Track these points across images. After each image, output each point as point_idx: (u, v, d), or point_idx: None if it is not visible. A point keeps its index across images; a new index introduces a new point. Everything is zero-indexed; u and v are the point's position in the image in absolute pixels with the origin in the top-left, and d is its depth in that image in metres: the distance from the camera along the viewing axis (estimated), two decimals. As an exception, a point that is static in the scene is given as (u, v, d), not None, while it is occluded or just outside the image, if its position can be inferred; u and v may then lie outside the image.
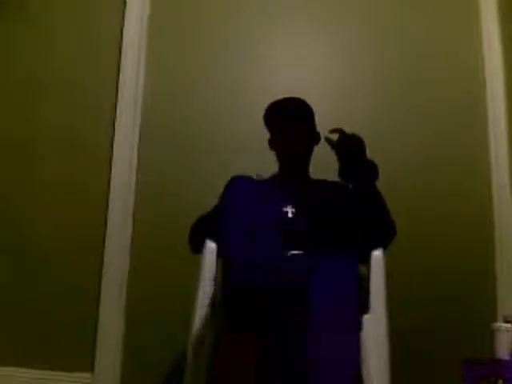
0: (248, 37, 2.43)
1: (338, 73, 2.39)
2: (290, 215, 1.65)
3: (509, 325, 1.79)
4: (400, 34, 2.44)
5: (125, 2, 2.43)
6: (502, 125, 2.36)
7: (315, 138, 1.86)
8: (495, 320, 2.03)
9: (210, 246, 1.56)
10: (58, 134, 2.36)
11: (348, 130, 1.68)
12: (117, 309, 2.17)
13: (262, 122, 1.84)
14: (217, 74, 2.40)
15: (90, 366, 2.13)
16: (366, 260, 1.56)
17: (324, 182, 1.83)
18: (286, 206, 1.67)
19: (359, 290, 1.39)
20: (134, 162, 2.30)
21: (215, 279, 1.52)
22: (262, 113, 1.83)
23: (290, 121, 1.79)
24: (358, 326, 1.33)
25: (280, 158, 1.85)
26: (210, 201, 1.70)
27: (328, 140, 1.70)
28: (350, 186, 1.71)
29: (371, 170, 1.66)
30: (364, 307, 1.46)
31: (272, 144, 1.88)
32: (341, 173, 1.68)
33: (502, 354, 1.75)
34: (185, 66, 2.41)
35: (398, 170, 2.22)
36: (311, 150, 1.85)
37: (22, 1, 2.50)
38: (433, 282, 2.18)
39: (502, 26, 2.44)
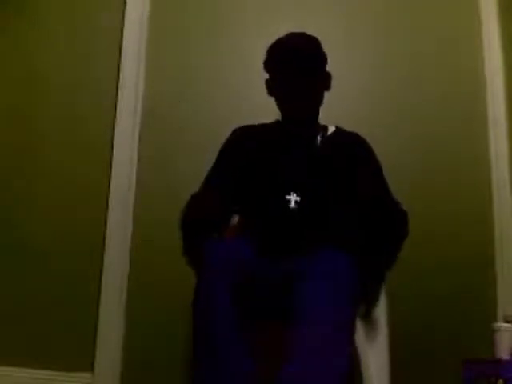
0: (248, 37, 2.42)
1: (338, 73, 2.38)
2: (292, 205, 1.47)
3: (509, 325, 1.80)
4: (400, 34, 2.44)
5: (125, 2, 2.43)
6: (502, 125, 2.36)
7: (326, 83, 1.61)
8: (495, 320, 2.03)
9: None
10: (58, 133, 2.35)
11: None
12: (117, 309, 2.17)
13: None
14: (217, 74, 2.39)
15: (90, 366, 2.12)
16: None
17: (336, 143, 1.55)
18: (290, 193, 1.47)
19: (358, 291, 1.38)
20: (134, 162, 2.30)
21: None
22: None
23: (297, 67, 1.51)
24: (352, 326, 1.31)
25: (282, 108, 1.59)
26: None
27: None
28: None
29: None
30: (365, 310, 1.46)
31: (271, 88, 1.61)
32: None
33: (502, 353, 1.75)
34: (185, 65, 2.40)
35: (397, 170, 2.21)
36: (322, 100, 1.60)
37: (21, 1, 2.50)
38: (433, 281, 2.18)
39: (502, 26, 2.44)
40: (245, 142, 1.63)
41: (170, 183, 2.27)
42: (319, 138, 1.59)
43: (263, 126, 1.68)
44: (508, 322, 1.82)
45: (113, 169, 2.28)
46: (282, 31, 1.63)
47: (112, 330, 2.15)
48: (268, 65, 1.60)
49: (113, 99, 2.34)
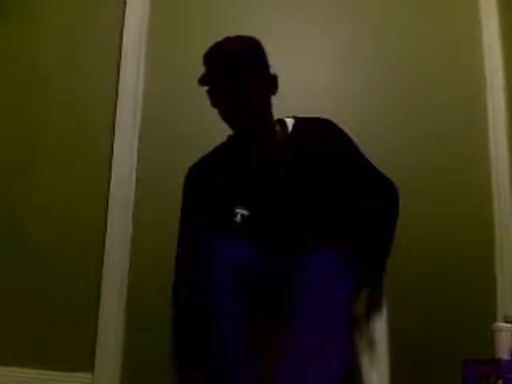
0: (248, 37, 2.42)
1: (338, 72, 2.39)
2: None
3: (509, 325, 1.79)
4: (400, 33, 2.44)
5: (125, 2, 2.43)
6: (502, 124, 2.35)
7: (271, 86, 1.51)
8: (495, 320, 2.03)
9: None
10: (58, 133, 2.36)
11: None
12: (117, 309, 2.17)
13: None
14: (217, 74, 2.39)
15: (90, 366, 2.13)
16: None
17: (300, 140, 1.49)
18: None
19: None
20: (134, 162, 2.30)
21: None
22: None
23: (233, 68, 1.42)
24: (349, 325, 1.31)
25: (226, 117, 1.50)
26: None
27: None
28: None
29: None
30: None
31: (212, 98, 1.52)
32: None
33: (502, 353, 1.74)
34: (185, 65, 2.40)
35: (396, 170, 2.21)
36: (267, 104, 1.50)
37: (21, 1, 2.50)
38: (433, 282, 2.17)
39: (502, 26, 2.44)
40: (203, 177, 1.58)
41: (170, 183, 2.27)
42: (280, 140, 1.54)
43: (218, 149, 1.63)
44: (508, 322, 1.81)
45: (113, 169, 2.28)
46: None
47: (112, 330, 2.15)
48: (204, 73, 1.52)
49: (113, 99, 2.34)
